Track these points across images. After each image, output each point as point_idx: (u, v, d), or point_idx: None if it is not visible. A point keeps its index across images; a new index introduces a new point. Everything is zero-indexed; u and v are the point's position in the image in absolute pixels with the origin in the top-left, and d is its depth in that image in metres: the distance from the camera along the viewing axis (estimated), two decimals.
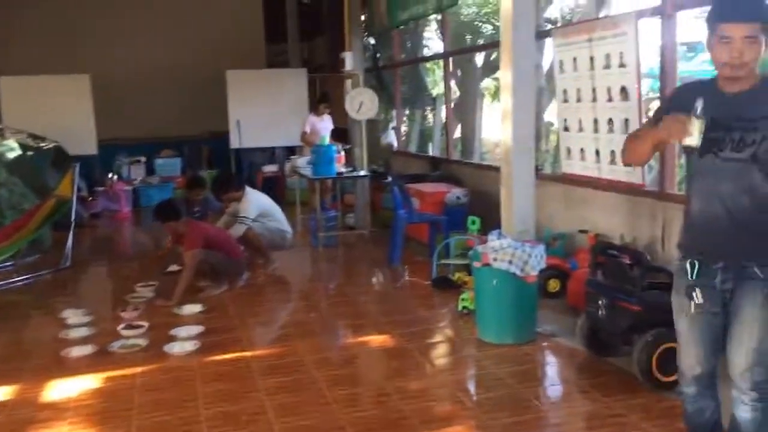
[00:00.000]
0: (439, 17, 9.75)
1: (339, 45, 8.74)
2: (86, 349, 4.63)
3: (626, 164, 3.06)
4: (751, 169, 2.35)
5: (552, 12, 12.35)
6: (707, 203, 2.42)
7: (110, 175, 10.95)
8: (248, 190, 6.98)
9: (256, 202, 6.85)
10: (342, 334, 5.16)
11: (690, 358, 2.58)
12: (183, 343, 4.67)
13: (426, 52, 13.06)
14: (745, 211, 2.36)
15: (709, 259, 2.43)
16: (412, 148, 12.25)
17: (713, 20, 2.32)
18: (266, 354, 4.55)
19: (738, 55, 2.27)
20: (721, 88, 2.41)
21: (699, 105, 2.30)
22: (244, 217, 6.60)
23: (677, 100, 2.50)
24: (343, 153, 8.47)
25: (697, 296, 2.45)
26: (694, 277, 2.45)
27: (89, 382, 4.15)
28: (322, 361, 4.37)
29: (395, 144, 11.48)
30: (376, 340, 4.83)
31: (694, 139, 2.31)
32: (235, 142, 11.43)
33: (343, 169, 8.08)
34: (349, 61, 8.32)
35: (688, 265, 2.47)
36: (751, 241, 2.38)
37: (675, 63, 4.94)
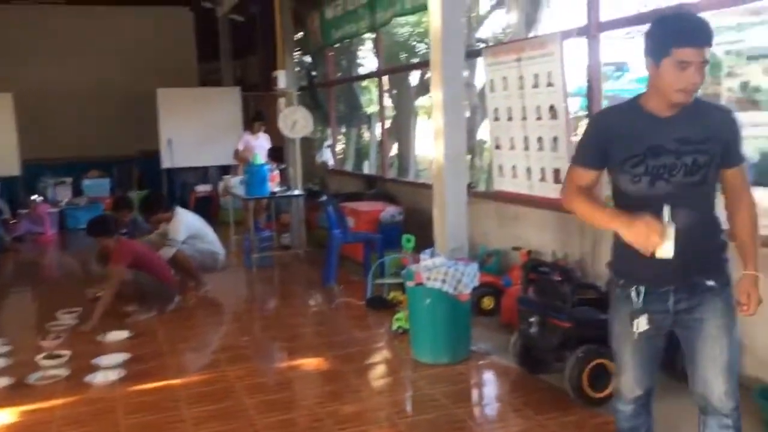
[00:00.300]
0: (374, 36, 9.78)
1: (273, 63, 8.64)
2: (2, 382, 4.38)
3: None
4: (700, 192, 2.31)
5: (484, 32, 12.57)
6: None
7: (34, 197, 10.53)
8: (178, 210, 6.79)
9: (185, 223, 6.66)
10: (275, 357, 5.04)
11: (631, 382, 2.52)
12: (106, 372, 4.47)
13: (361, 71, 13.08)
14: (695, 234, 2.28)
15: (657, 284, 2.34)
16: (349, 167, 12.22)
17: (669, 44, 2.17)
18: (195, 381, 4.40)
19: (698, 81, 2.19)
20: (651, 111, 2.31)
21: (666, 212, 2.17)
22: (172, 239, 6.41)
23: (603, 132, 2.37)
24: (277, 172, 8.36)
25: (641, 324, 2.36)
26: (641, 304, 2.37)
27: (4, 417, 3.91)
28: (253, 386, 4.24)
29: (331, 162, 11.42)
30: (311, 363, 4.74)
31: (669, 250, 2.14)
32: (166, 162, 11.17)
33: (277, 189, 7.97)
34: (282, 79, 8.23)
35: (633, 292, 2.38)
36: (701, 261, 2.34)
37: (600, 82, 5.05)
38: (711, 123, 2.32)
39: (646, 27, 2.32)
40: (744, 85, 3.77)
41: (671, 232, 2.13)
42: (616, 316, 2.50)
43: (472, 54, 6.58)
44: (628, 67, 15.17)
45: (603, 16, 4.95)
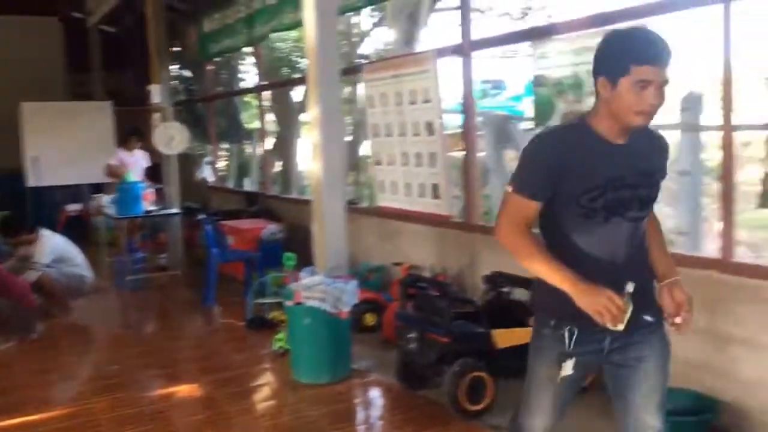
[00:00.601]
0: (253, 50, 9.62)
1: (148, 77, 8.29)
2: None
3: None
4: (643, 224, 2.18)
5: (366, 48, 12.68)
6: (594, 265, 2.09)
7: None
8: (43, 232, 6.35)
9: (51, 245, 6.25)
10: (147, 386, 4.76)
11: (540, 420, 2.32)
12: None
13: (242, 86, 12.83)
14: (635, 269, 2.13)
15: (593, 323, 2.03)
16: (230, 184, 11.92)
17: (627, 62, 1.96)
18: (57, 416, 4.08)
19: (658, 102, 2.00)
20: (603, 136, 2.09)
21: (629, 288, 2.00)
22: (35, 262, 5.98)
23: (558, 158, 2.07)
24: (152, 190, 8.00)
25: (566, 368, 2.17)
26: (571, 347, 2.15)
27: None
28: (122, 418, 3.99)
29: (211, 179, 11.11)
30: (186, 389, 4.53)
31: (623, 325, 2.00)
32: (32, 180, 10.47)
33: (152, 207, 7.63)
34: (156, 93, 7.91)
35: (566, 334, 2.15)
36: (641, 297, 2.09)
37: (473, 99, 5.17)
38: (656, 151, 2.20)
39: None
40: None
41: (630, 309, 1.99)
42: (542, 358, 2.25)
43: (351, 70, 6.59)
44: (505, 85, 15.79)
45: (476, 36, 5.08)
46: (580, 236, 2.11)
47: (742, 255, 3.51)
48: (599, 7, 4.25)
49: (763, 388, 3.32)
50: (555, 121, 4.27)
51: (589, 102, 4.01)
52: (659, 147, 2.21)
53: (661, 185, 2.19)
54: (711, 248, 4.11)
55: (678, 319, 2.09)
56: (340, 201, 4.83)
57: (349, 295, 4.38)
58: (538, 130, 4.44)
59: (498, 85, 16.66)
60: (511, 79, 13.21)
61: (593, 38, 3.99)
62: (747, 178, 7.75)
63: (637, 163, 2.11)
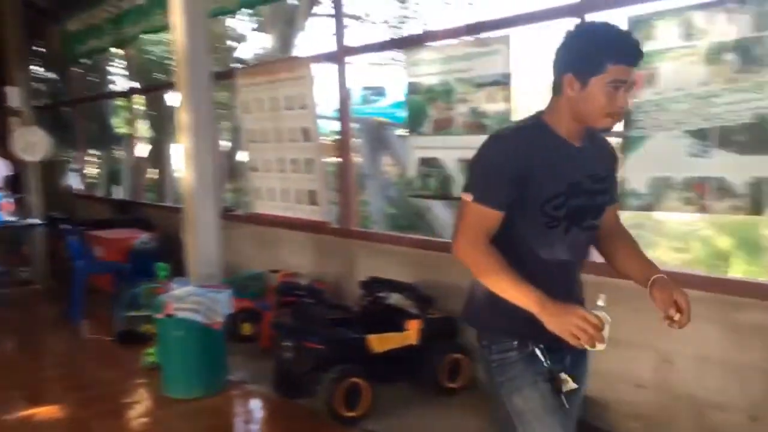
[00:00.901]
0: (123, 53, 9.23)
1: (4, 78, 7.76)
2: None
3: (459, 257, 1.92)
4: (594, 237, 2.03)
5: (244, 53, 12.48)
6: (551, 279, 1.88)
7: None
8: None
9: None
10: (6, 410, 4.43)
11: None
12: None
13: (113, 89, 12.27)
14: (581, 282, 2.02)
15: (556, 339, 1.79)
16: (101, 192, 11.37)
17: (604, 60, 1.78)
18: None
19: (626, 105, 1.84)
20: (565, 138, 1.91)
21: (602, 301, 1.80)
22: None
23: (522, 161, 1.84)
24: (11, 200, 7.48)
25: (568, 382, 1.91)
26: (548, 362, 1.91)
27: None
28: None
29: (78, 187, 10.55)
30: (49, 410, 4.24)
31: (603, 344, 1.76)
32: None
33: (11, 218, 7.13)
34: (14, 96, 7.42)
35: (538, 352, 1.90)
36: None
37: (349, 105, 5.19)
38: (606, 157, 2.05)
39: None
40: (473, 111, 4.07)
41: (607, 325, 1.77)
42: (527, 388, 1.92)
43: (225, 75, 6.45)
44: (386, 92, 16.01)
45: (352, 42, 5.10)
46: (541, 248, 1.90)
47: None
48: (467, 18, 4.40)
49: (621, 381, 3.53)
50: (427, 127, 4.36)
51: (460, 109, 4.18)
52: (609, 152, 2.07)
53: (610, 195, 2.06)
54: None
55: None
56: (214, 209, 4.70)
57: (223, 304, 4.27)
58: (412, 137, 4.52)
59: (379, 92, 16.89)
60: (392, 86, 13.41)
61: (459, 47, 4.12)
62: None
63: (593, 167, 1.96)
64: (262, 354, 4.89)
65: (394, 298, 4.20)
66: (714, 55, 2.99)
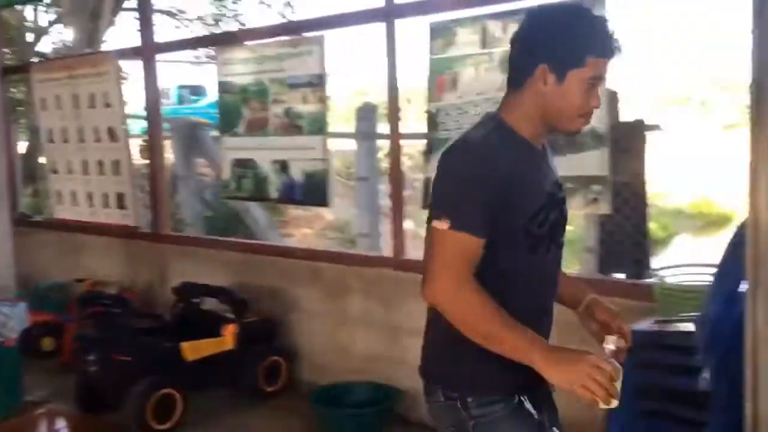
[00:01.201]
0: None
1: None
2: None
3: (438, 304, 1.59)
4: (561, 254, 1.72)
5: (45, 46, 11.60)
6: (531, 313, 1.60)
7: None
8: None
9: None
10: None
11: None
12: None
13: None
14: (552, 311, 1.72)
15: (537, 381, 1.50)
16: None
17: (583, 52, 1.52)
18: None
19: (599, 103, 1.60)
20: (530, 141, 1.61)
21: (612, 344, 1.49)
22: None
23: (503, 176, 1.52)
24: None
25: None
26: (537, 414, 1.62)
27: None
28: None
29: None
30: None
31: (617, 400, 1.41)
32: None
33: None
34: None
35: (524, 401, 1.60)
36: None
37: (158, 103, 4.97)
38: (552, 158, 1.74)
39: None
40: (287, 111, 4.06)
41: (621, 374, 1.43)
42: None
43: (19, 69, 5.93)
44: (206, 92, 15.55)
45: (159, 38, 4.90)
46: (523, 275, 1.59)
47: (413, 252, 3.81)
48: (281, 18, 4.39)
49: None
50: (241, 128, 4.27)
51: (275, 110, 4.14)
52: (552, 157, 1.74)
53: None
54: (389, 247, 4.44)
55: (612, 345, 1.50)
56: (6, 215, 4.29)
57: (16, 320, 3.90)
58: (225, 138, 4.41)
59: (199, 91, 16.37)
60: (212, 85, 13.11)
61: (272, 48, 4.09)
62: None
63: (555, 173, 1.69)
64: (63, 370, 4.54)
65: (209, 303, 4.08)
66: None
